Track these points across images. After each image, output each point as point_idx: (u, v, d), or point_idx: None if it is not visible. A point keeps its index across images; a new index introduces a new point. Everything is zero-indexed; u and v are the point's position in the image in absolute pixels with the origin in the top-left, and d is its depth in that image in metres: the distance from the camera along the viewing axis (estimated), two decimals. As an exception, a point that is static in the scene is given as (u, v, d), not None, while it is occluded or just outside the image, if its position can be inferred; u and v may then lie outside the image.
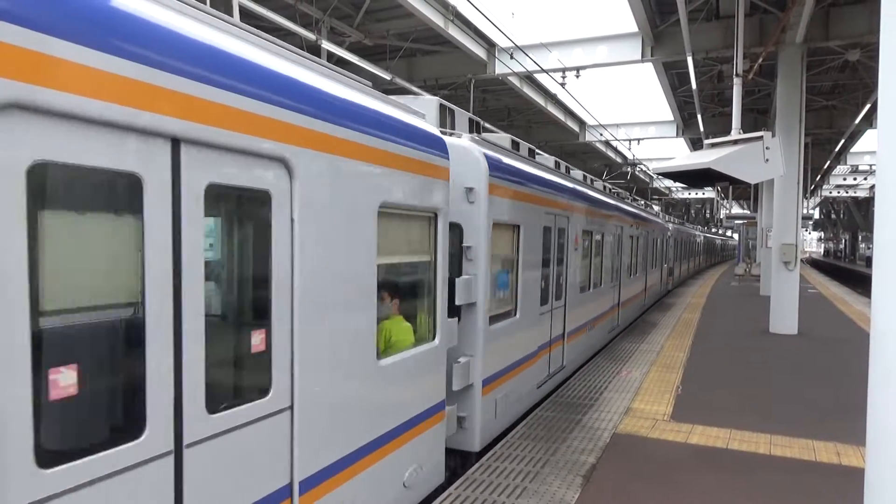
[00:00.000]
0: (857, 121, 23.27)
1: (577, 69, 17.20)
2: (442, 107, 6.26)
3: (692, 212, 67.21)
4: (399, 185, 4.59)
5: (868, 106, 20.90)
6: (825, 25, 14.78)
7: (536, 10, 23.50)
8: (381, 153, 4.33)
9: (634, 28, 15.96)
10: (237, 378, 3.32)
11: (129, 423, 2.57)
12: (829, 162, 34.54)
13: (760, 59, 14.61)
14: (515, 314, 7.31)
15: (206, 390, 2.89)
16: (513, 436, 6.80)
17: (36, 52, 2.16)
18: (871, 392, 3.21)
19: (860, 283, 38.36)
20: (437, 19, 14.46)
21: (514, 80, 19.73)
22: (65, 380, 2.32)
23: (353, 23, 15.01)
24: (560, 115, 25.33)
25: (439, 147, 5.23)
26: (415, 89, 15.75)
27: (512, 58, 16.48)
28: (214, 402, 2.95)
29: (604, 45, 17.17)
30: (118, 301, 2.72)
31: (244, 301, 3.43)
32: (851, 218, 69.74)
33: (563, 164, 10.58)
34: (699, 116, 23.00)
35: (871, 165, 38.09)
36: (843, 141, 28.14)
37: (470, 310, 6.21)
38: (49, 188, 2.31)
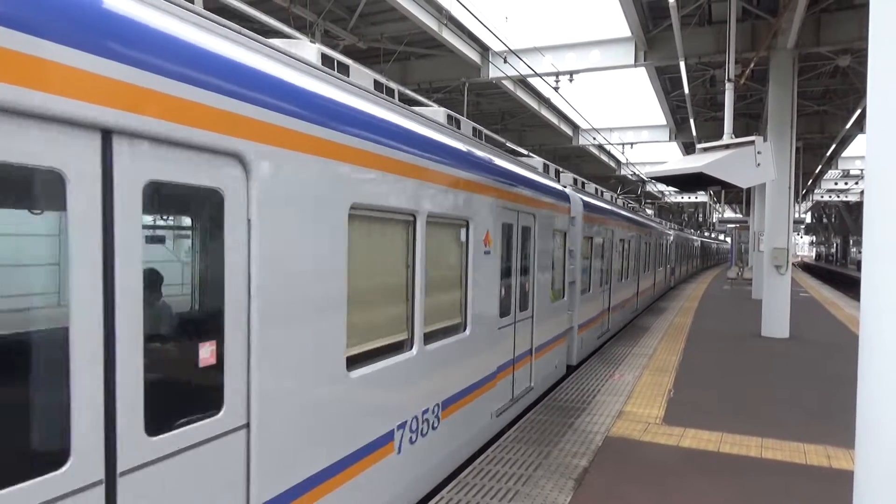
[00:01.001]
0: (847, 125, 23.44)
1: (571, 73, 17.26)
2: (545, 164, 10.50)
3: (685, 216, 67.44)
4: (557, 218, 9.38)
5: (859, 111, 21.05)
6: (816, 31, 14.88)
7: (530, 14, 23.66)
8: (552, 205, 9.05)
9: (627, 33, 16.04)
10: (521, 301, 7.76)
11: (524, 305, 7.96)
12: (820, 166, 34.74)
13: (752, 65, 14.69)
14: (589, 290, 12.22)
15: (519, 301, 7.67)
16: (506, 439, 6.81)
17: (531, 197, 8.19)
18: (861, 395, 3.23)
19: (851, 286, 38.57)
20: (430, 23, 14.48)
21: (508, 84, 19.78)
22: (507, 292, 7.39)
23: (346, 26, 15.02)
24: (553, 119, 25.40)
25: (566, 198, 10.01)
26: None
27: (506, 62, 16.52)
28: (519, 307, 7.73)
29: (597, 49, 17.25)
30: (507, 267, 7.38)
31: (547, 266, 8.86)
32: (843, 222, 70.21)
33: (599, 188, 15.29)
34: (692, 121, 23.10)
35: (861, 170, 38.32)
36: (834, 145, 28.32)
37: (572, 285, 10.92)
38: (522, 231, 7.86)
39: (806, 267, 75.68)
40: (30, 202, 2.50)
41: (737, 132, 10.40)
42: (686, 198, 53.06)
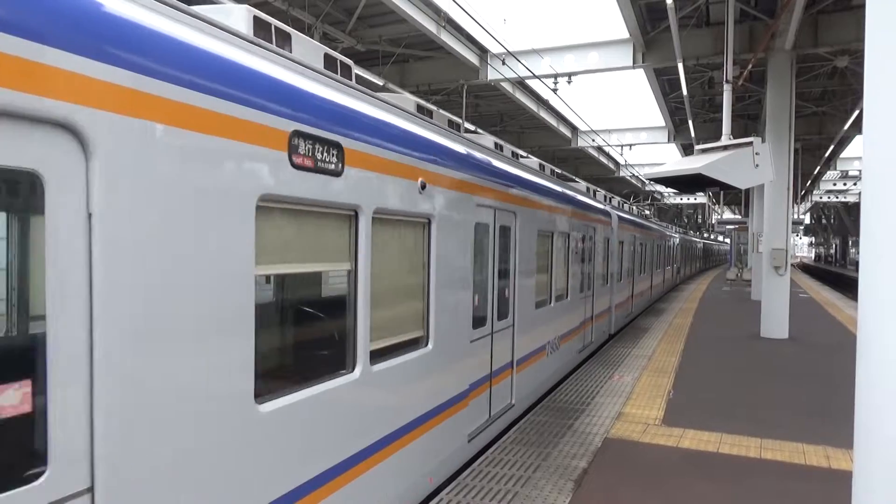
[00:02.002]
0: (846, 126, 23.44)
1: (569, 75, 17.28)
2: (587, 187, 14.08)
3: (684, 217, 67.46)
4: (604, 229, 13.47)
5: (857, 112, 21.04)
6: (814, 32, 14.90)
7: (528, 16, 23.74)
8: (602, 221, 13.24)
9: (626, 34, 16.06)
10: (587, 283, 12.14)
11: (589, 286, 12.40)
12: (819, 167, 34.75)
13: (750, 66, 14.72)
14: (621, 280, 15.87)
15: (586, 283, 11.99)
16: (505, 440, 6.81)
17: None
18: (859, 396, 3.24)
19: (850, 287, 38.58)
20: (429, 25, 14.50)
21: (507, 86, 19.79)
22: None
23: (345, 28, 15.03)
24: (552, 121, 25.41)
25: (608, 214, 13.90)
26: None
27: (504, 63, 16.54)
28: (587, 287, 12.12)
29: (595, 51, 17.27)
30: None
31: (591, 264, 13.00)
32: (842, 223, 70.22)
33: (621, 199, 20.02)
34: (690, 122, 23.13)
35: (860, 171, 38.29)
36: (832, 146, 28.32)
37: (612, 276, 14.58)
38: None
39: (805, 268, 75.70)
40: (480, 236, 6.33)
41: (735, 133, 10.41)
42: (685, 199, 53.11)
